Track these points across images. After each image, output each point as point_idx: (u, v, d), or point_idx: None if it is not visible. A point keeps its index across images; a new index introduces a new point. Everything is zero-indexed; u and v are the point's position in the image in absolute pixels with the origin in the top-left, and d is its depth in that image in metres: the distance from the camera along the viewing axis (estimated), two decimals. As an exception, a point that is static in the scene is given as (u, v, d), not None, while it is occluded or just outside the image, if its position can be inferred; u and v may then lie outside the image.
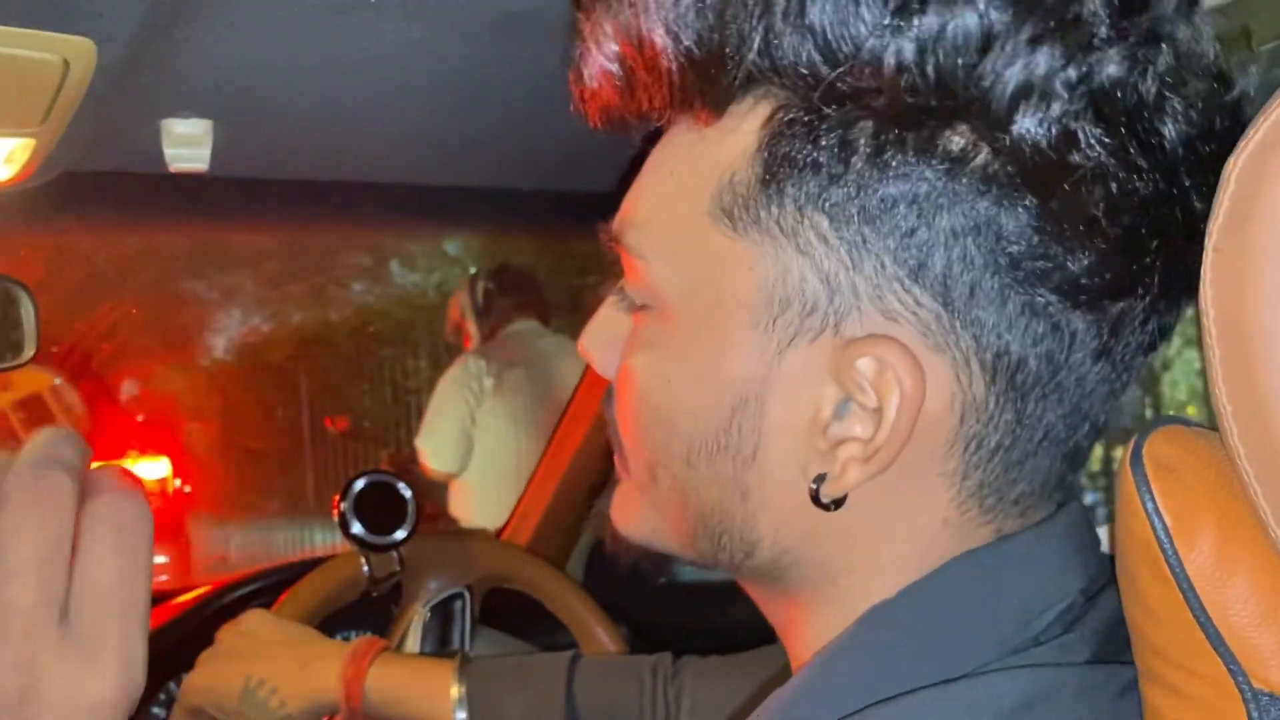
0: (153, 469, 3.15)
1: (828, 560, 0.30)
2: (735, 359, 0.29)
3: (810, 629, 0.31)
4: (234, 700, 0.56)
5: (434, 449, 1.99)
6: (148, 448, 3.13)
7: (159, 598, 0.83)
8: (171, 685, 0.75)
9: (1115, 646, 0.27)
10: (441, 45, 0.55)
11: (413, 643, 0.71)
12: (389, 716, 0.57)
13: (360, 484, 0.70)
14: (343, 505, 0.70)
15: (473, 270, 2.17)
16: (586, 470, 0.94)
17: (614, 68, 0.30)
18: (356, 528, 0.69)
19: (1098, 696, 0.27)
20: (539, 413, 1.95)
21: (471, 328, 2.04)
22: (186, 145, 0.63)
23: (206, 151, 0.63)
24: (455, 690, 0.57)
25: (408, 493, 0.72)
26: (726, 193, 0.29)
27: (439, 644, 0.71)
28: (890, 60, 0.25)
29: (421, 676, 0.58)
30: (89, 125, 0.58)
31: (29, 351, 0.68)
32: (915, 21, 0.25)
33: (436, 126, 0.70)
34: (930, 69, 0.25)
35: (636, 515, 0.34)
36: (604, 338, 0.35)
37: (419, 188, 0.83)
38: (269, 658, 0.57)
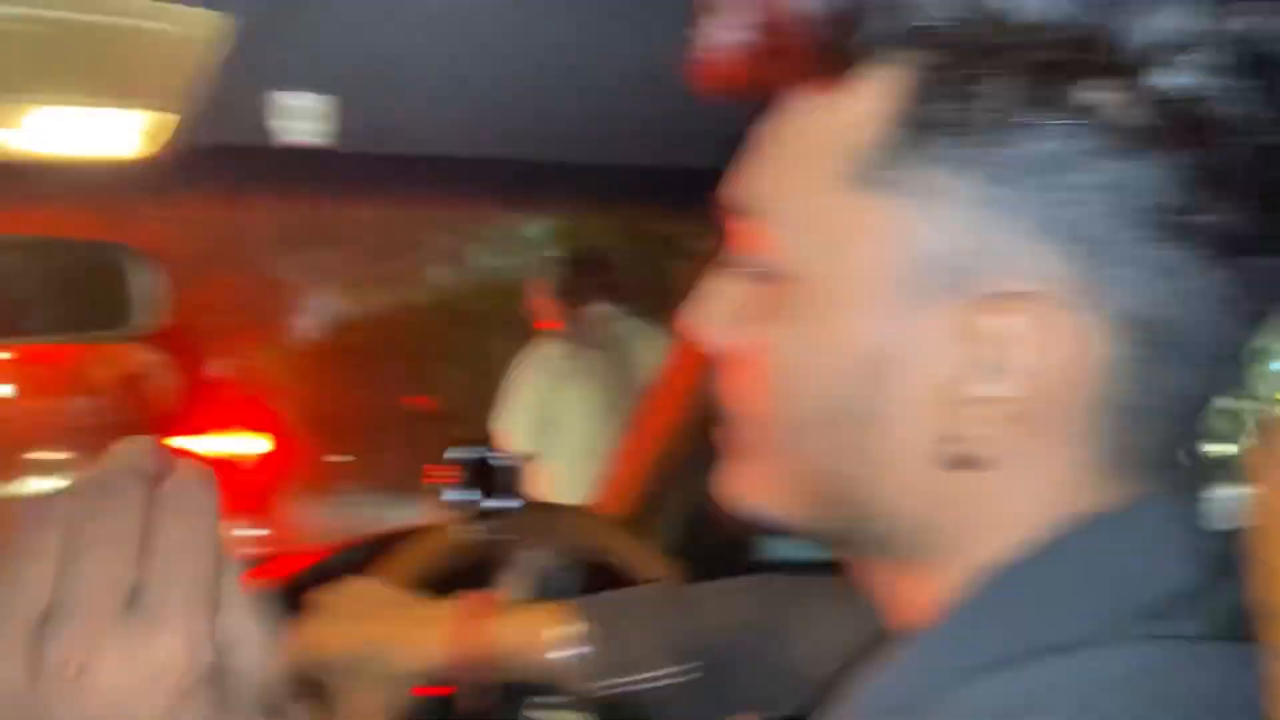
0: (251, 444, 3.38)
1: (952, 524, 0.30)
2: (869, 324, 0.29)
3: (925, 595, 0.31)
4: (342, 661, 0.56)
5: (511, 428, 2.04)
6: (246, 424, 3.34)
7: (258, 566, 0.84)
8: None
9: (1239, 622, 0.27)
10: (540, 18, 0.56)
11: None
12: (507, 667, 0.56)
13: (463, 454, 0.72)
14: (446, 474, 0.71)
15: (552, 255, 2.20)
16: (675, 448, 0.93)
17: (742, 35, 0.30)
18: (459, 495, 0.70)
19: (1218, 670, 0.27)
20: (616, 394, 1.96)
21: (550, 311, 2.07)
22: (301, 119, 0.65)
23: (320, 126, 0.65)
24: (572, 629, 0.56)
25: (511, 463, 0.72)
26: (859, 156, 0.29)
27: None
28: (1031, 15, 0.25)
29: (538, 622, 0.57)
30: (211, 99, 0.61)
31: (144, 323, 0.70)
32: None
33: (533, 101, 0.70)
34: (1072, 22, 0.25)
35: (751, 488, 0.35)
36: (716, 312, 0.35)
37: (515, 162, 0.83)
38: (377, 619, 0.58)
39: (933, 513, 0.30)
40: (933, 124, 0.27)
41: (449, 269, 3.96)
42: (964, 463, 0.28)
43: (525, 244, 3.58)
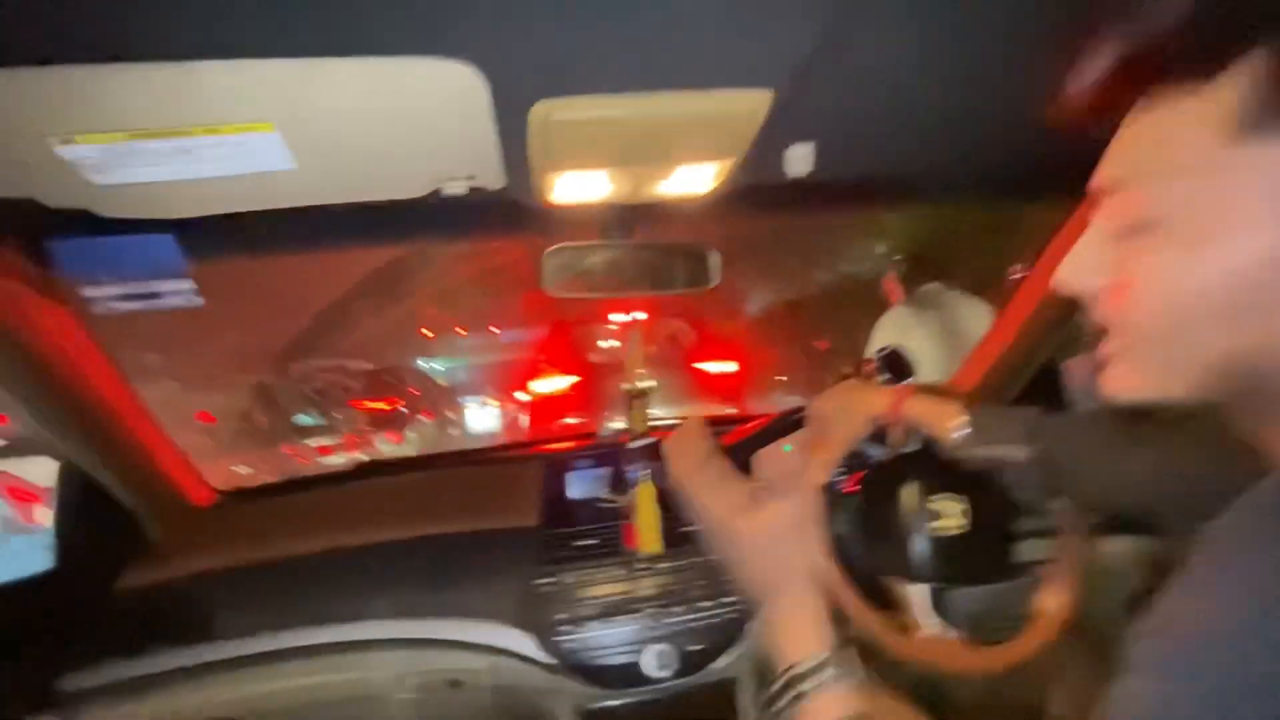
0: (726, 367, 5.61)
1: None
2: (1262, 237, 0.37)
3: None
4: (831, 411, 0.85)
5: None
6: (726, 356, 5.56)
7: (740, 422, 1.09)
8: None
9: None
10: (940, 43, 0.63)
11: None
12: (916, 425, 0.82)
13: (880, 352, 1.07)
14: (877, 360, 1.07)
15: (897, 258, 3.49)
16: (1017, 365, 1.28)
17: (1115, 64, 0.39)
18: (888, 376, 1.06)
19: None
20: (948, 341, 3.22)
21: (898, 289, 3.43)
22: (798, 163, 0.80)
23: (809, 164, 0.80)
24: (961, 416, 0.79)
25: (908, 355, 1.04)
26: (1233, 119, 0.37)
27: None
28: None
29: (941, 406, 0.81)
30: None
31: (707, 283, 0.95)
32: None
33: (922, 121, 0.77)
34: None
35: (1140, 380, 0.44)
36: (1088, 263, 0.46)
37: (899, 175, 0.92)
38: (849, 392, 0.86)
39: None
40: None
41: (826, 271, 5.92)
42: None
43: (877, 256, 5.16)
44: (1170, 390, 0.43)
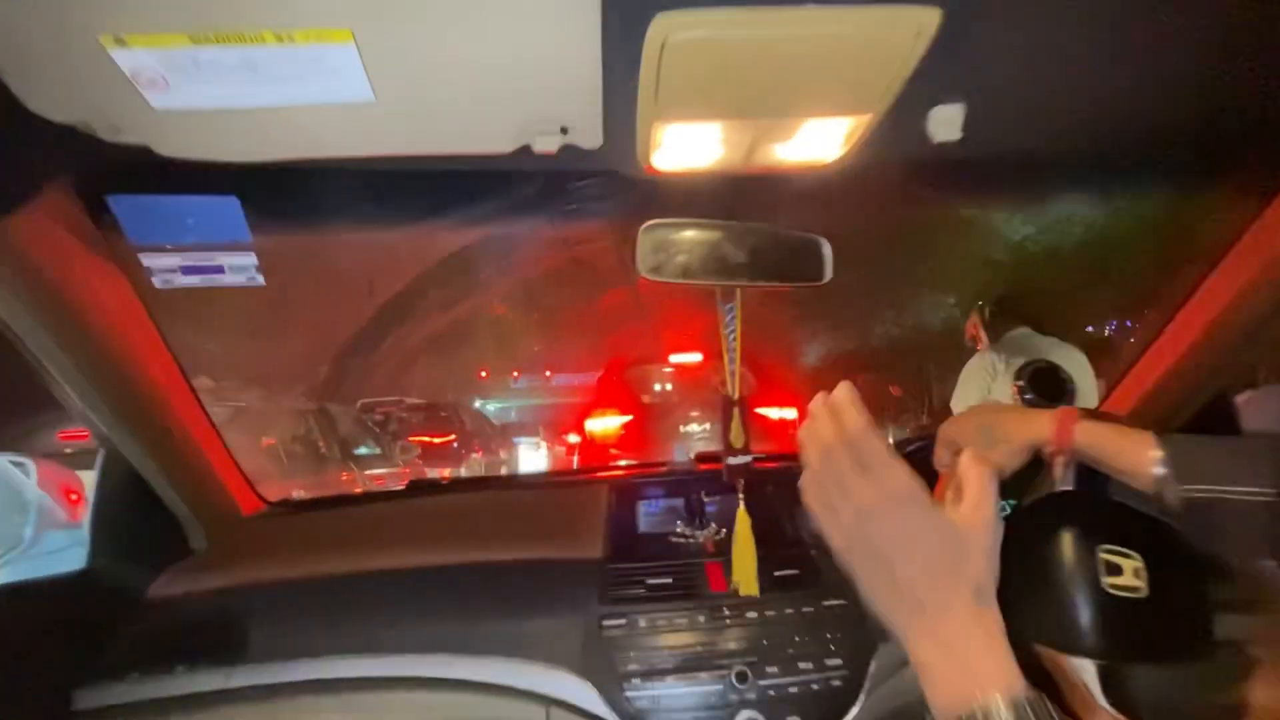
0: (785, 414, 5.40)
1: None
2: None
3: None
4: (973, 434, 0.76)
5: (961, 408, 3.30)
6: (786, 402, 5.35)
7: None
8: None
9: None
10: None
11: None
12: (1093, 456, 0.68)
13: (1035, 364, 0.97)
14: (1024, 378, 0.96)
15: (980, 303, 3.28)
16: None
17: None
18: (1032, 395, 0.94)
19: None
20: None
21: (983, 335, 3.20)
22: (944, 127, 0.69)
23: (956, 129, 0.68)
24: (1150, 449, 0.63)
25: (1068, 379, 0.94)
26: None
27: None
28: None
29: (1126, 434, 0.66)
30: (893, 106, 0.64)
31: (820, 275, 0.82)
32: None
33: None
34: None
35: None
36: None
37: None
38: (997, 413, 0.77)
39: None
40: None
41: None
42: None
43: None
44: None
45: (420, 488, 1.34)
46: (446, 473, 6.21)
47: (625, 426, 5.16)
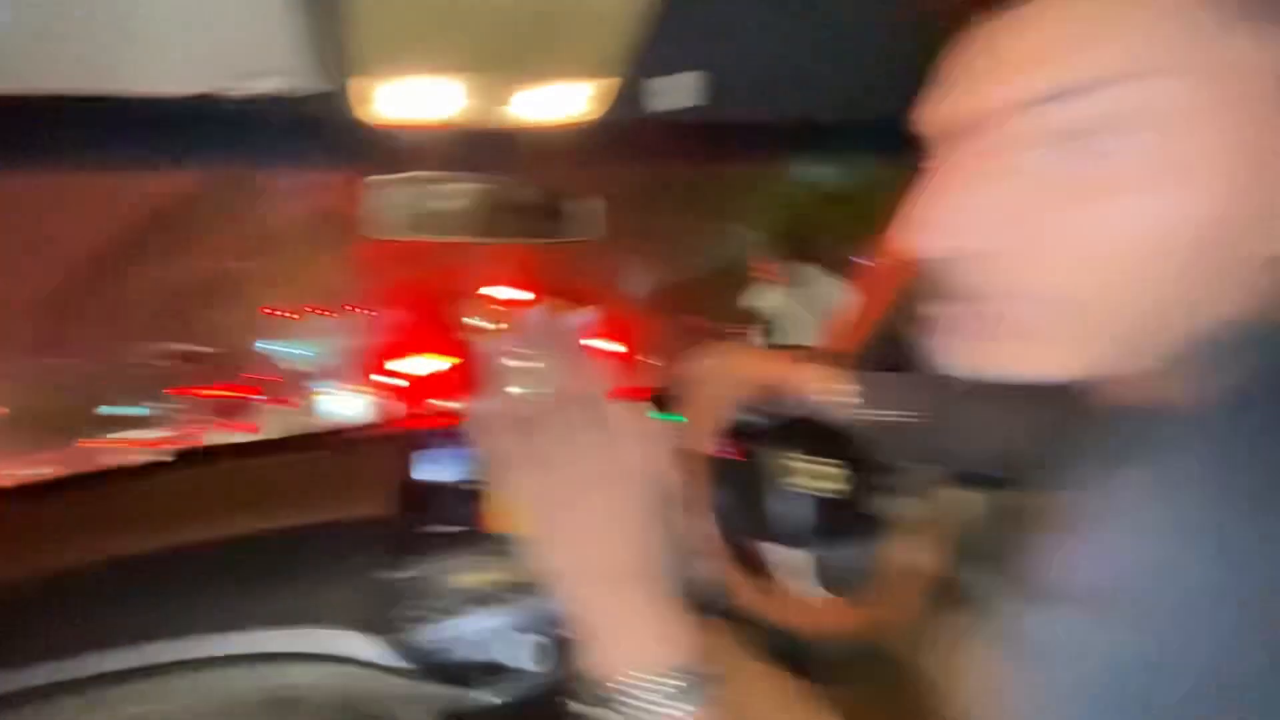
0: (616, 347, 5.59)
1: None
2: (1238, 171, 0.30)
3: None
4: (707, 375, 0.80)
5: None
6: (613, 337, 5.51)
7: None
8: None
9: None
10: None
11: None
12: (793, 398, 0.78)
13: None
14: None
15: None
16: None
17: None
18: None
19: None
20: (814, 311, 3.39)
21: (769, 267, 3.57)
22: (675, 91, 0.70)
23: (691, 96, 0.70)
24: (840, 383, 0.77)
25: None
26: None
27: None
28: None
29: (834, 375, 0.77)
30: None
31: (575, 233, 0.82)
32: None
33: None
34: None
35: (1036, 360, 0.35)
36: (964, 217, 0.34)
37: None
38: (718, 360, 0.81)
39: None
40: None
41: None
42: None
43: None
44: (1070, 370, 0.35)
45: (190, 457, 1.21)
46: (235, 432, 5.56)
47: (453, 369, 4.98)
